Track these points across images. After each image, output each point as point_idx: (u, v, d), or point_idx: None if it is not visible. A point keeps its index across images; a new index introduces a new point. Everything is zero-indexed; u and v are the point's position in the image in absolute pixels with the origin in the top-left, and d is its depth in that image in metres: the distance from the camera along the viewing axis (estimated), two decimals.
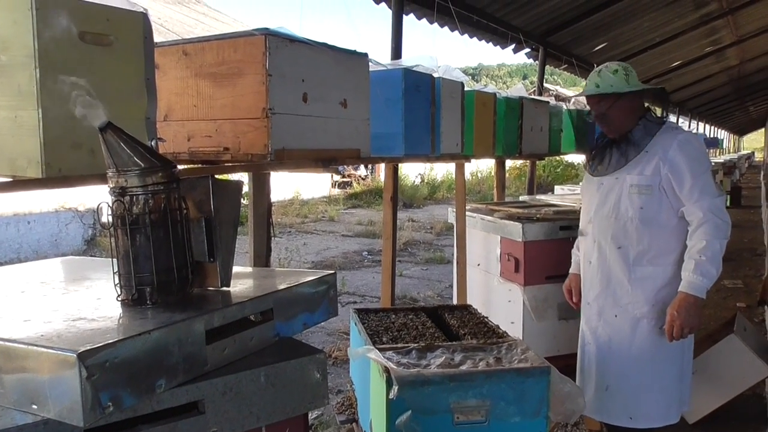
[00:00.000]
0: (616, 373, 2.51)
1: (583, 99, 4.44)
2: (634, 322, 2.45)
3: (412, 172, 18.85)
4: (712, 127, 25.08)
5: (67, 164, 1.36)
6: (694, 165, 2.35)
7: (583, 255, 2.65)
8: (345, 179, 18.96)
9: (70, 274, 1.79)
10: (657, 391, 2.45)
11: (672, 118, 14.74)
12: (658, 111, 2.62)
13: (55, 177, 1.35)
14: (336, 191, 18.00)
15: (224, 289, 1.46)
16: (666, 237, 2.41)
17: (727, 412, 3.29)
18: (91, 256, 7.86)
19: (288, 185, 14.91)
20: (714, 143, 21.05)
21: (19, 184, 1.39)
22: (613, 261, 2.50)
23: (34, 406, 1.06)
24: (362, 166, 19.02)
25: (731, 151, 36.50)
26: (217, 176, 1.51)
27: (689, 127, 16.06)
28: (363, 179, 19.32)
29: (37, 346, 1.06)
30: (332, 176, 17.82)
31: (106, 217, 1.31)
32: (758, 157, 39.03)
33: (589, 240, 2.61)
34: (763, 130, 32.87)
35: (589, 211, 2.62)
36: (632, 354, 2.46)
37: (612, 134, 2.54)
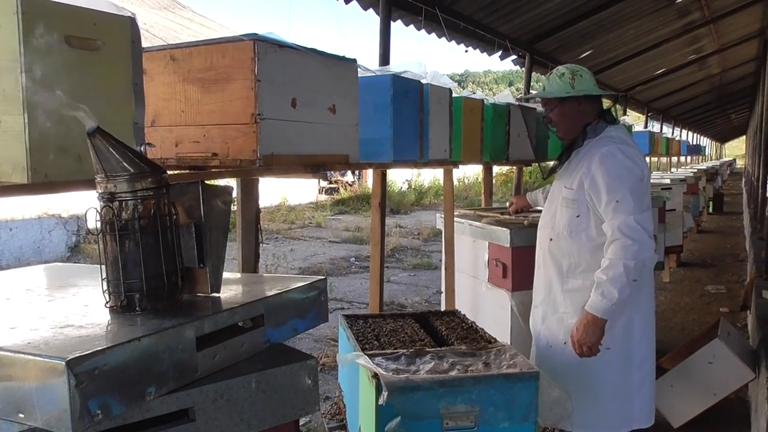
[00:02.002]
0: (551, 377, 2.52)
1: None
2: (567, 331, 2.43)
3: (399, 178, 18.89)
4: (695, 135, 25.44)
5: (54, 170, 1.35)
6: (611, 181, 2.25)
7: (536, 258, 2.64)
8: (332, 185, 18.93)
9: (56, 280, 1.77)
10: (591, 400, 2.40)
11: (656, 125, 14.90)
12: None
13: (41, 183, 1.33)
14: (323, 197, 17.96)
15: (214, 295, 1.46)
16: (594, 251, 2.34)
17: (711, 416, 3.32)
18: (75, 263, 7.77)
19: (275, 191, 14.86)
20: (696, 150, 21.33)
21: (5, 189, 1.37)
22: (551, 270, 2.50)
23: (21, 415, 1.05)
24: (349, 172, 19.02)
25: (713, 158, 36.96)
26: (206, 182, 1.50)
27: (673, 134, 16.23)
28: (350, 185, 19.30)
29: (23, 353, 1.05)
30: (319, 182, 17.79)
31: (94, 223, 1.30)
32: (740, 164, 39.62)
33: (537, 244, 2.62)
34: (744, 137, 33.37)
35: (543, 215, 2.62)
36: (563, 361, 2.45)
37: (561, 138, 2.54)
